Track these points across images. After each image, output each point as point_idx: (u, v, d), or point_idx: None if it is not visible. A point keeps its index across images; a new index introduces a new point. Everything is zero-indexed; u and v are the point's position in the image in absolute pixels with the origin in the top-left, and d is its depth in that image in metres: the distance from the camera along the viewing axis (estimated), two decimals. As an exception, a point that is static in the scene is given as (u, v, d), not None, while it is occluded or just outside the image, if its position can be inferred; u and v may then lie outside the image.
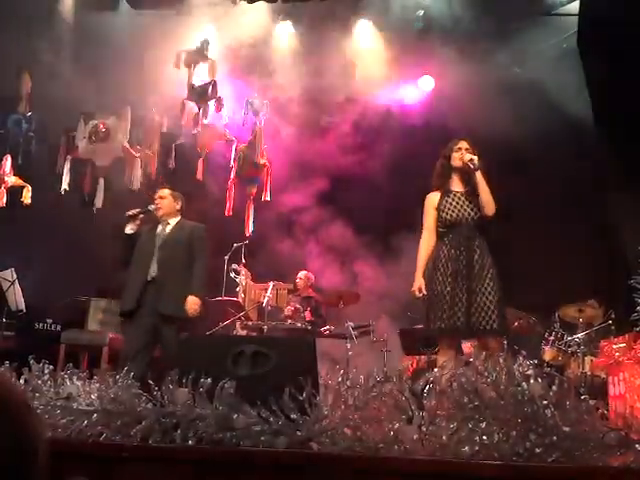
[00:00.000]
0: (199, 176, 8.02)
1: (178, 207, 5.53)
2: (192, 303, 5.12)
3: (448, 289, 4.18)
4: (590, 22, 6.56)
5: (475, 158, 4.29)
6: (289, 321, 7.15)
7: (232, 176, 8.14)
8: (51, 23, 7.69)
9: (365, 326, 7.29)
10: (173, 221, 5.48)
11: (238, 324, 6.93)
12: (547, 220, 8.10)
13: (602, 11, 6.21)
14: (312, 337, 6.58)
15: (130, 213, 5.41)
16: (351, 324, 7.10)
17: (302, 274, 7.85)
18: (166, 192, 5.54)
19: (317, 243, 8.12)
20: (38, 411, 2.65)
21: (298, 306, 7.39)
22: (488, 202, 4.24)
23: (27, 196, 7.75)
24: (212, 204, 7.91)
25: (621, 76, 5.76)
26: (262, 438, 2.42)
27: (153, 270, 5.22)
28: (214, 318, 6.53)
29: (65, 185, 8.02)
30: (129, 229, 5.39)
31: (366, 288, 7.80)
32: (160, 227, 5.45)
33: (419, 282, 4.32)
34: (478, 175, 4.27)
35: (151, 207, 5.46)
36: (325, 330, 7.34)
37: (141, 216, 5.43)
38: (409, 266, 7.39)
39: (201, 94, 7.72)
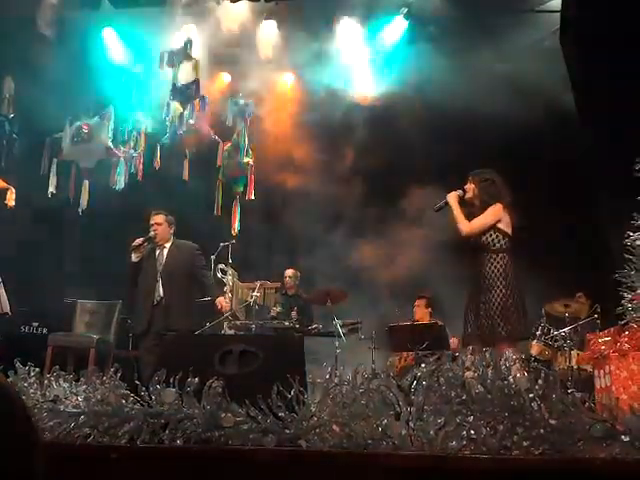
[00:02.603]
0: (185, 176, 7.99)
1: (172, 231, 6.02)
2: (222, 301, 6.00)
3: (466, 304, 4.80)
4: (572, 18, 6.59)
5: (439, 202, 5.00)
6: (276, 320, 7.16)
7: (220, 176, 8.13)
8: (33, 23, 7.61)
9: (353, 323, 7.30)
10: (168, 244, 5.98)
11: (226, 324, 6.90)
12: (532, 214, 8.14)
13: (584, 7, 6.25)
14: (300, 335, 6.58)
15: (136, 244, 5.82)
16: (339, 322, 7.10)
17: (290, 272, 7.83)
18: (161, 218, 5.97)
19: (303, 240, 8.10)
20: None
21: (284, 309, 7.42)
22: (458, 227, 4.84)
23: (11, 198, 7.65)
24: (198, 204, 7.89)
25: (603, 71, 5.80)
26: (250, 436, 2.42)
27: (158, 294, 5.77)
28: (201, 318, 6.51)
29: (52, 188, 7.96)
30: (135, 257, 5.85)
31: (355, 285, 7.79)
32: (158, 252, 5.95)
33: None
34: (451, 209, 4.90)
35: (151, 234, 5.89)
36: (313, 328, 7.34)
37: (145, 244, 5.87)
38: (397, 262, 7.46)
39: (185, 94, 7.67)
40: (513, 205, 4.93)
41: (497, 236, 4.70)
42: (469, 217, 4.87)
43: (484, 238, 4.72)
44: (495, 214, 4.74)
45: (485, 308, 4.61)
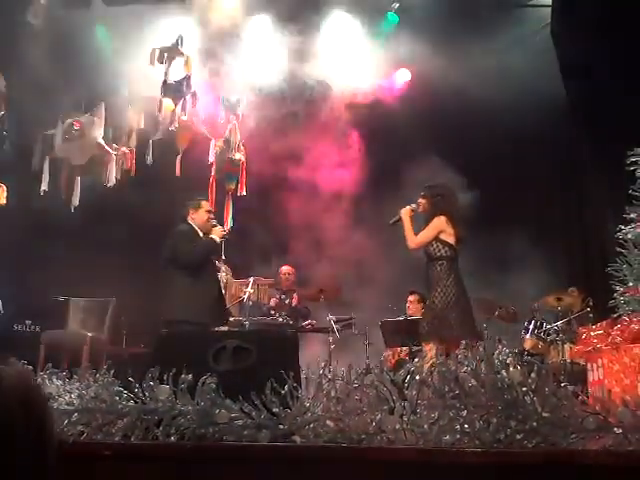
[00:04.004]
0: (177, 173, 7.97)
1: None
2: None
3: None
4: (562, 12, 6.60)
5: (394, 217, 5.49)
6: (272, 312, 7.19)
7: (212, 173, 8.10)
8: (23, 21, 7.57)
9: (347, 319, 7.30)
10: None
11: (219, 320, 6.90)
12: (525, 208, 8.16)
13: (574, 1, 6.26)
14: (294, 331, 6.59)
15: (225, 233, 5.83)
16: (333, 317, 7.10)
17: (285, 269, 7.82)
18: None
19: (297, 236, 8.10)
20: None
21: (284, 296, 7.44)
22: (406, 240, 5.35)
23: (2, 196, 7.63)
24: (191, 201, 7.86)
25: (594, 64, 5.81)
26: (245, 432, 2.42)
27: (220, 284, 5.75)
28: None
29: (45, 186, 7.92)
30: (220, 239, 5.74)
31: (348, 280, 7.80)
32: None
33: None
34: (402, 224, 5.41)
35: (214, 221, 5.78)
36: (307, 324, 7.35)
37: None
38: (392, 257, 7.47)
39: (176, 90, 7.64)
40: (462, 216, 5.38)
41: (438, 246, 5.19)
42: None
43: (427, 248, 5.23)
44: (437, 227, 5.23)
45: (425, 311, 5.26)
